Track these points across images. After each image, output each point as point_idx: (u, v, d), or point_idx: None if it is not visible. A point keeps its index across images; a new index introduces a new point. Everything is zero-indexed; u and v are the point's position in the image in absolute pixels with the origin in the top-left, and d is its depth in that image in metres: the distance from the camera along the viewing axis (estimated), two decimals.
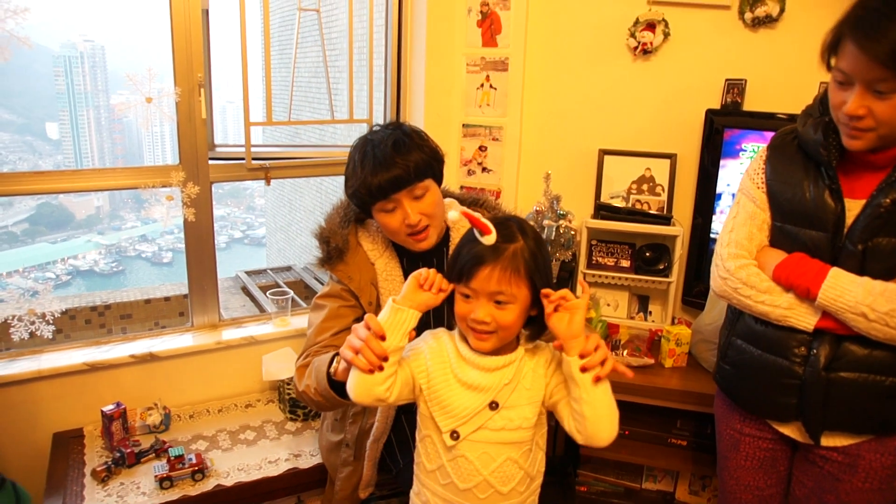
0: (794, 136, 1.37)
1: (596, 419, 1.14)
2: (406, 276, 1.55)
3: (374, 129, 1.56)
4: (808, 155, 1.33)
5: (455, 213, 1.30)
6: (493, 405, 1.20)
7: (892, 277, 1.24)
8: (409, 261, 1.62)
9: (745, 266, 1.38)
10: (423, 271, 1.21)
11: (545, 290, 1.18)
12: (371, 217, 1.58)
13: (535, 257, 1.19)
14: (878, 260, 1.24)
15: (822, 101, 1.31)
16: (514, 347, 1.24)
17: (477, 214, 1.20)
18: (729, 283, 1.39)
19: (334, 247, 1.57)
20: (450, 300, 1.25)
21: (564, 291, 1.17)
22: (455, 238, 1.63)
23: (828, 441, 1.35)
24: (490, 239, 1.17)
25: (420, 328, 1.25)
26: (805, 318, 1.31)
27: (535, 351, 1.25)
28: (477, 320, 1.17)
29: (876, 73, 1.11)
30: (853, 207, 1.27)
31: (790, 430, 1.41)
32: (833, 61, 1.20)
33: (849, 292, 1.22)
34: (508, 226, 1.22)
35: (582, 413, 1.15)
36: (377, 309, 1.56)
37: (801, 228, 1.33)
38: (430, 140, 1.55)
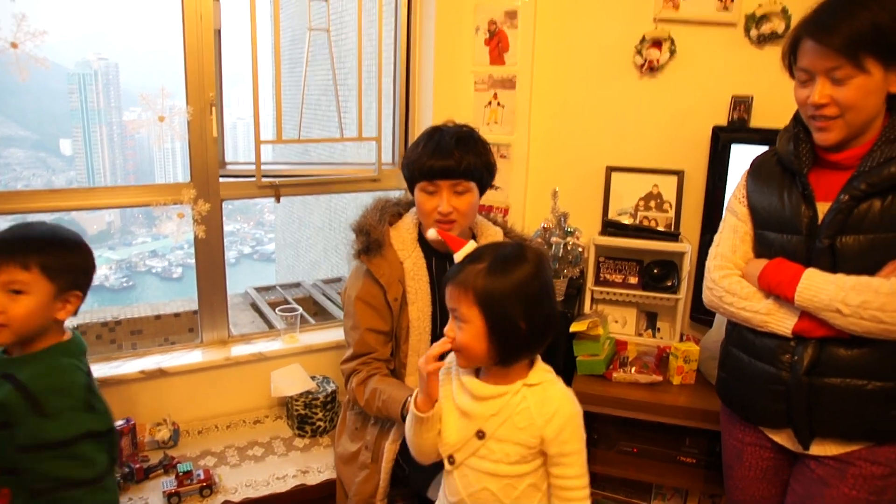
0: (773, 153, 1.47)
1: None
2: (432, 276, 1.71)
3: (448, 123, 1.69)
4: (784, 168, 1.42)
5: (433, 232, 1.49)
6: (480, 434, 1.22)
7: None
8: (438, 260, 1.73)
9: (727, 276, 1.47)
10: (422, 366, 1.24)
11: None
12: (411, 191, 1.69)
13: (492, 289, 1.16)
14: (848, 259, 1.29)
15: (795, 115, 1.42)
16: (512, 379, 1.23)
17: (451, 235, 1.36)
18: (714, 293, 1.48)
19: (374, 239, 1.68)
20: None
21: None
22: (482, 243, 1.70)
23: (820, 450, 1.38)
24: (457, 256, 1.26)
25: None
26: (783, 322, 1.36)
27: (543, 392, 1.21)
28: (445, 331, 1.22)
29: (832, 63, 1.23)
30: (824, 209, 1.34)
31: (782, 439, 1.45)
32: (794, 65, 1.34)
33: (822, 290, 1.27)
34: (490, 248, 1.26)
35: None
36: (402, 305, 1.69)
37: (778, 234, 1.40)
38: (491, 153, 1.68)
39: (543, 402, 1.19)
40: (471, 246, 1.28)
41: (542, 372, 1.24)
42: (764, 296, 1.40)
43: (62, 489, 1.23)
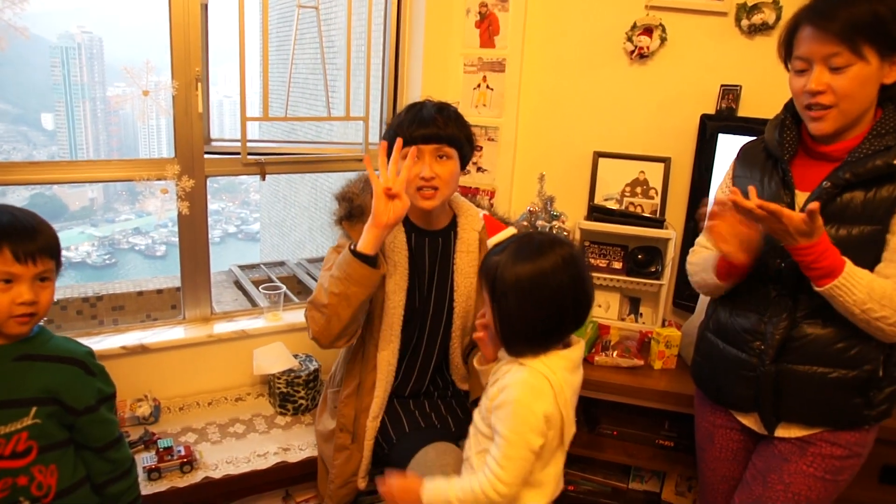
0: (761, 140, 1.51)
1: None
2: (412, 252, 1.70)
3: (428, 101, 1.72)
4: (769, 154, 1.45)
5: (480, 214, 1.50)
6: (484, 385, 1.38)
7: None
8: (417, 236, 1.72)
9: (696, 251, 1.58)
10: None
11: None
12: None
13: (498, 281, 1.25)
14: None
15: (786, 104, 1.45)
16: (505, 354, 1.32)
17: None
18: (688, 269, 1.59)
19: (357, 205, 1.67)
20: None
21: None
22: (462, 223, 1.73)
23: (784, 432, 1.43)
24: (490, 241, 1.36)
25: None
26: (710, 274, 1.46)
27: (518, 373, 1.26)
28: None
29: (831, 49, 1.24)
30: (804, 198, 1.36)
31: (750, 421, 1.49)
32: (791, 55, 1.35)
33: (853, 293, 1.24)
34: (517, 240, 1.31)
35: None
36: (381, 276, 1.65)
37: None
38: (471, 130, 1.71)
39: (509, 378, 1.27)
40: (508, 232, 1.37)
41: (538, 361, 1.27)
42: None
43: (110, 448, 1.34)
